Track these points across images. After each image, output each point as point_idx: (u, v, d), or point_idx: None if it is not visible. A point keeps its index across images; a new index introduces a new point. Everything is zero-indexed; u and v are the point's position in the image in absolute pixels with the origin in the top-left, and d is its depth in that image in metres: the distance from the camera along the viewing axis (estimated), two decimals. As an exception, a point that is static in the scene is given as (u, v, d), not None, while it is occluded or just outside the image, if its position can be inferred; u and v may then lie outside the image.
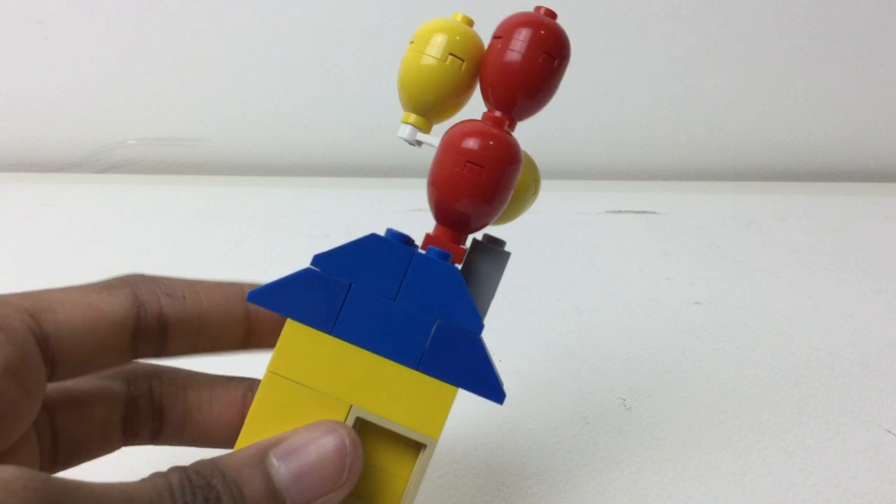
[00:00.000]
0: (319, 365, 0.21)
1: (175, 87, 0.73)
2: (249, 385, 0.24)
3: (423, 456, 0.21)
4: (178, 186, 0.70)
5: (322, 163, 0.76)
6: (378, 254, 0.21)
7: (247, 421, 0.20)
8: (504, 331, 0.41)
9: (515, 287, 0.47)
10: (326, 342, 0.21)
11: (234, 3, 0.71)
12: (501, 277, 0.24)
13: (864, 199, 0.71)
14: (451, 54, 0.22)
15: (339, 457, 0.20)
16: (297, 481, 0.19)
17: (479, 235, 0.25)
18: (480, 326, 0.21)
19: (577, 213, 0.64)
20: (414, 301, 0.21)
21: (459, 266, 0.23)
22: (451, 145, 0.22)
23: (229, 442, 0.23)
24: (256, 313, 0.23)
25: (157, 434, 0.24)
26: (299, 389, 0.21)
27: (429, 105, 0.23)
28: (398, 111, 0.24)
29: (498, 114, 0.23)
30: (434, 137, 0.23)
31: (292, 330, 0.20)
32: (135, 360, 0.24)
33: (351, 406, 0.21)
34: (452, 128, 0.23)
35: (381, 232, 0.22)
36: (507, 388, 0.35)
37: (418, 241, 0.23)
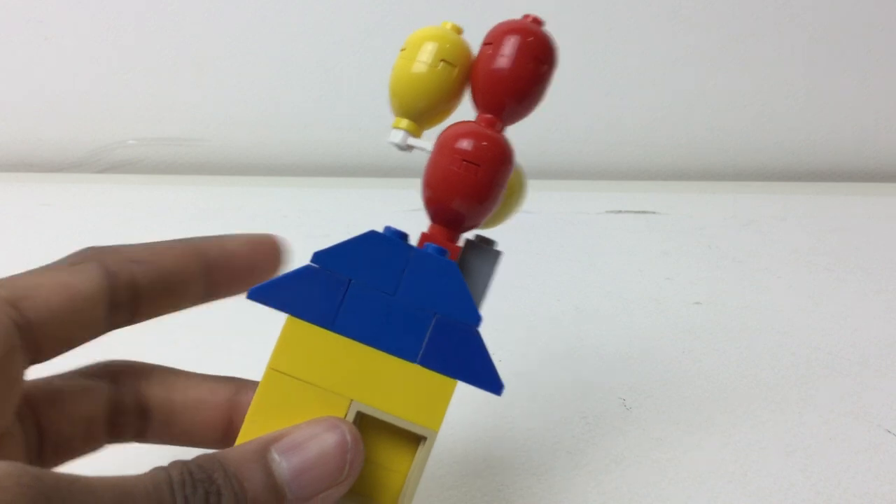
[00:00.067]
0: (320, 361, 0.21)
1: (175, 87, 0.73)
2: (237, 387, 0.24)
3: (423, 448, 0.21)
4: (178, 186, 0.70)
5: (322, 163, 0.76)
6: (377, 250, 0.21)
7: (247, 417, 0.20)
8: (504, 331, 0.41)
9: (515, 287, 0.47)
10: (327, 338, 0.21)
11: (234, 3, 0.71)
12: (494, 276, 0.24)
13: (864, 199, 0.71)
14: (442, 60, 0.23)
15: (340, 453, 0.20)
16: (298, 476, 0.19)
17: (469, 236, 0.25)
18: (479, 320, 0.22)
19: (577, 213, 0.64)
20: (413, 296, 0.21)
21: None
22: (446, 145, 0.22)
23: (215, 443, 0.24)
24: (214, 268, 0.24)
25: (141, 433, 0.24)
26: (300, 385, 0.21)
27: (420, 110, 0.24)
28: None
29: (489, 116, 0.23)
30: (425, 142, 0.24)
31: (292, 326, 0.20)
32: (122, 360, 0.24)
33: (351, 401, 0.21)
34: (447, 129, 0.23)
35: (380, 230, 0.22)
36: (507, 388, 0.35)
37: (416, 239, 0.23)
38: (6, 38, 0.71)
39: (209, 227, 0.57)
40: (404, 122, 0.24)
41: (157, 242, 0.24)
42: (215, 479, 0.18)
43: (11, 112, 0.73)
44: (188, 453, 0.20)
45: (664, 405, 0.34)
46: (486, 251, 0.24)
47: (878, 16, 0.76)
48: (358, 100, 0.71)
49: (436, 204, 0.22)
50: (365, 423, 0.21)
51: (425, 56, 0.23)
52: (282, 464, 0.19)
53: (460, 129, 0.23)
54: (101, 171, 0.75)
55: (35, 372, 0.21)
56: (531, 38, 0.23)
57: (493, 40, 0.23)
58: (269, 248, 0.25)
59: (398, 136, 0.24)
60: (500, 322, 0.42)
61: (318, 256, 0.21)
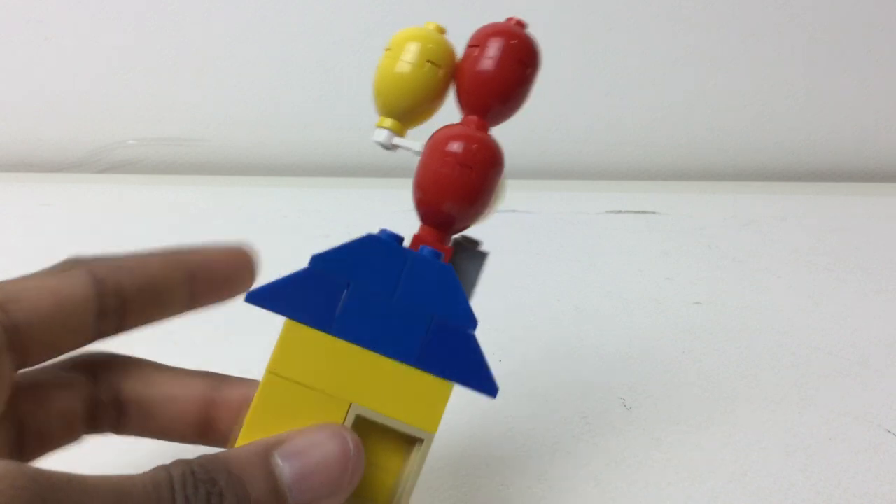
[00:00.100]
0: (319, 364, 0.21)
1: (175, 87, 0.73)
2: (214, 382, 0.24)
3: (420, 450, 0.22)
4: (178, 186, 0.70)
5: (322, 163, 0.76)
6: (375, 254, 0.21)
7: (247, 421, 0.20)
8: (504, 331, 0.41)
9: (515, 287, 0.47)
10: (325, 341, 0.21)
11: (234, 3, 0.71)
12: (480, 277, 0.25)
13: (864, 199, 0.71)
14: (428, 61, 0.23)
15: (342, 461, 0.20)
16: (300, 482, 0.19)
17: (455, 236, 0.25)
18: (475, 323, 0.22)
19: (577, 213, 0.64)
20: (410, 299, 0.21)
21: None
22: (439, 148, 0.23)
23: (192, 438, 0.24)
24: (198, 275, 0.24)
25: (118, 426, 0.24)
26: (299, 389, 0.21)
27: (405, 110, 0.24)
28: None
29: (474, 118, 0.24)
30: (410, 141, 0.24)
31: (291, 330, 0.21)
32: (102, 353, 0.24)
33: (350, 404, 0.21)
34: (439, 131, 0.23)
35: (375, 231, 0.22)
36: (507, 388, 0.35)
37: (408, 240, 0.23)
38: (6, 38, 0.71)
39: (209, 227, 0.57)
40: (388, 121, 0.24)
41: (142, 251, 0.24)
42: (218, 480, 0.18)
43: (11, 112, 0.73)
44: (189, 450, 0.20)
45: (664, 405, 0.34)
46: (473, 252, 0.25)
47: (878, 16, 0.76)
48: (358, 100, 0.71)
49: (428, 206, 0.23)
50: (360, 423, 0.22)
51: (411, 56, 0.23)
52: (284, 468, 0.19)
53: (452, 132, 0.23)
54: (101, 171, 0.75)
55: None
56: (516, 41, 0.23)
57: (480, 42, 0.23)
58: (244, 260, 0.25)
59: (382, 135, 0.24)
60: (500, 322, 0.42)
61: (315, 260, 0.21)
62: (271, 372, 0.20)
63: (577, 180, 0.78)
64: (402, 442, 0.22)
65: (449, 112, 0.25)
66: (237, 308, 0.24)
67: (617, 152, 0.78)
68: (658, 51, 0.75)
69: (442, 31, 0.24)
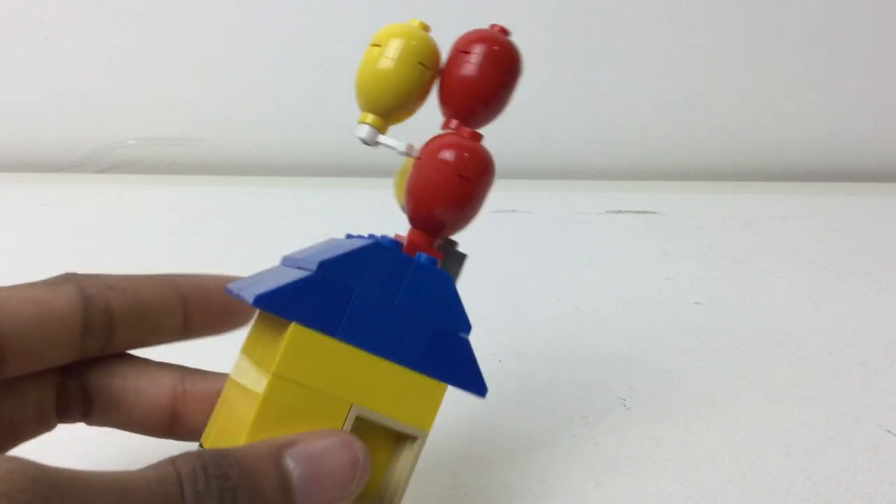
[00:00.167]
0: (322, 366, 0.21)
1: (175, 87, 0.73)
2: (181, 375, 0.24)
3: (415, 448, 0.22)
4: (178, 186, 0.70)
5: (322, 163, 0.76)
6: (379, 261, 0.22)
7: (252, 421, 0.20)
8: (504, 331, 0.41)
9: (515, 287, 0.47)
10: (330, 345, 0.21)
11: (234, 3, 0.71)
12: (459, 277, 0.25)
13: (864, 199, 0.71)
14: (419, 62, 0.24)
15: (351, 469, 0.20)
16: (310, 486, 0.19)
17: None
18: (469, 328, 0.23)
19: (577, 213, 0.64)
20: (412, 305, 0.22)
21: None
22: (438, 158, 0.23)
23: (160, 431, 0.24)
24: (192, 303, 0.24)
25: (87, 415, 0.24)
26: (303, 390, 0.21)
27: (390, 108, 0.24)
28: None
29: (454, 125, 0.24)
30: (393, 140, 0.24)
31: (297, 334, 0.21)
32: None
33: (351, 405, 0.21)
34: (436, 141, 0.24)
35: (357, 233, 0.23)
36: (507, 388, 0.35)
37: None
38: (6, 38, 0.71)
39: (209, 227, 0.57)
40: (371, 118, 0.24)
41: (136, 274, 0.24)
42: (231, 476, 0.18)
43: (11, 112, 0.73)
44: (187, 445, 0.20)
45: (664, 405, 0.34)
46: (453, 254, 0.25)
47: (878, 16, 0.76)
48: (358, 100, 0.71)
49: (424, 213, 0.23)
50: (356, 421, 0.22)
51: (402, 56, 0.24)
52: (295, 470, 0.19)
53: (451, 142, 0.23)
54: (101, 171, 0.75)
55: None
56: (503, 49, 0.24)
57: (467, 49, 0.24)
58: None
59: (364, 131, 0.24)
60: (500, 322, 0.42)
61: (323, 266, 0.21)
62: (277, 374, 0.21)
63: (577, 180, 0.78)
64: (390, 438, 0.23)
65: (429, 111, 0.25)
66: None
67: (617, 152, 0.78)
68: (658, 51, 0.75)
69: (427, 28, 0.25)
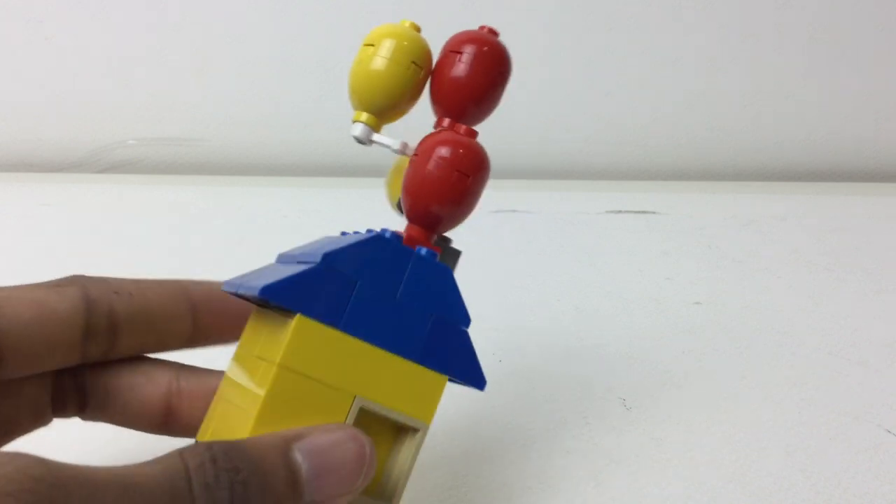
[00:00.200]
0: (326, 358, 0.21)
1: (175, 87, 0.73)
2: (176, 372, 0.24)
3: (416, 440, 0.23)
4: (178, 186, 0.70)
5: (322, 163, 0.76)
6: (382, 253, 0.22)
7: (258, 413, 0.20)
8: (504, 331, 0.41)
9: (515, 287, 0.47)
10: (333, 336, 0.21)
11: (234, 4, 0.71)
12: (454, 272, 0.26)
13: (864, 199, 0.71)
14: (413, 62, 0.24)
15: (358, 464, 0.20)
16: (317, 479, 0.19)
17: None
18: (469, 321, 0.23)
19: (577, 213, 0.64)
20: (413, 298, 0.22)
21: None
22: (437, 154, 0.23)
23: (154, 427, 0.24)
24: (200, 307, 0.24)
25: (82, 410, 0.24)
26: (308, 382, 0.21)
27: (385, 107, 0.25)
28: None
29: (446, 123, 0.25)
30: (387, 138, 0.25)
31: (302, 326, 0.21)
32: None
33: (355, 396, 0.22)
34: (433, 138, 0.24)
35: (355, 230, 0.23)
36: (507, 388, 0.35)
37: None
38: (6, 38, 0.71)
39: (209, 227, 0.57)
40: (365, 116, 0.25)
41: (147, 279, 0.24)
42: (241, 469, 0.18)
43: (11, 112, 0.73)
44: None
45: (664, 405, 0.34)
46: (447, 250, 0.26)
47: (878, 16, 0.76)
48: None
49: (423, 209, 0.24)
50: (359, 414, 0.22)
51: (397, 56, 0.24)
52: (304, 463, 0.19)
53: (448, 139, 0.24)
54: (101, 171, 0.75)
55: None
56: (492, 50, 0.25)
57: (458, 49, 0.25)
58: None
59: (358, 130, 0.25)
60: (500, 322, 0.42)
61: (327, 257, 0.21)
62: (282, 366, 0.21)
63: (577, 180, 0.78)
64: (390, 430, 0.23)
65: (421, 110, 0.26)
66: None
67: (617, 152, 0.78)
68: (658, 51, 0.75)
69: (418, 28, 0.25)
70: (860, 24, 0.76)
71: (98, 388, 0.23)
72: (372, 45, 0.24)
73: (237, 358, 0.24)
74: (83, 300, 0.22)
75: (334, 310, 0.21)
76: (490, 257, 0.52)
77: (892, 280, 0.50)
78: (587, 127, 0.77)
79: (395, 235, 0.23)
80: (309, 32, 0.72)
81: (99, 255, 0.50)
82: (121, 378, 0.24)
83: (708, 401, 0.34)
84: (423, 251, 0.23)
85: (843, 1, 0.75)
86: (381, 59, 0.24)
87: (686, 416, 0.33)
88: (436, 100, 0.25)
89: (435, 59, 0.25)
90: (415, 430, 0.23)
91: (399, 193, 0.26)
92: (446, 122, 0.25)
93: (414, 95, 0.25)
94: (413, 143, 0.25)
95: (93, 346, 0.22)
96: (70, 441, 0.25)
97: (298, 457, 0.19)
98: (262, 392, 0.21)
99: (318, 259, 0.21)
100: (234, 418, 0.22)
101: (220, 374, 0.24)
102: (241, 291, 0.22)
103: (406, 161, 0.26)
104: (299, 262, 0.22)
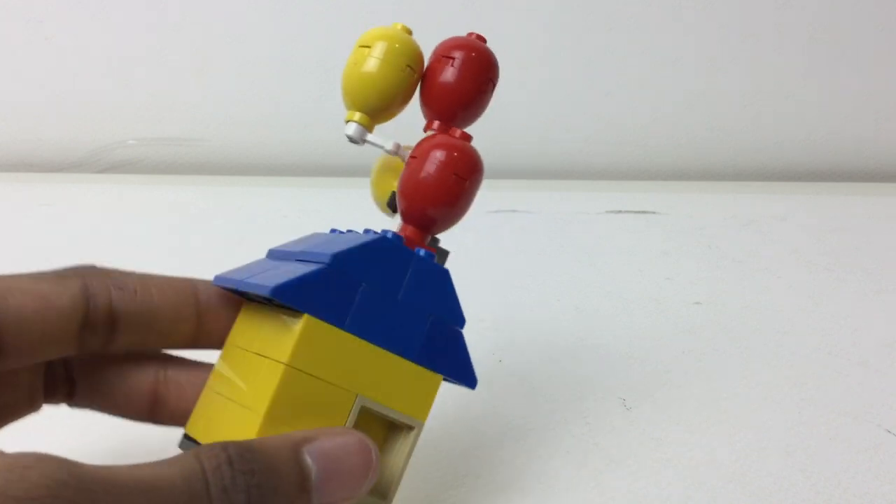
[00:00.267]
0: (332, 358, 0.21)
1: (175, 87, 0.73)
2: (164, 361, 0.24)
3: (411, 437, 0.23)
4: (178, 186, 0.70)
5: (322, 163, 0.76)
6: (386, 255, 0.22)
7: (266, 413, 0.21)
8: (504, 331, 0.41)
9: (515, 287, 0.47)
10: (338, 337, 0.21)
11: (234, 4, 0.71)
12: None
13: (864, 199, 0.71)
14: (407, 64, 0.25)
15: (365, 469, 0.21)
16: (326, 482, 0.20)
17: None
18: (464, 322, 0.24)
19: (577, 213, 0.64)
20: (413, 299, 0.23)
21: None
22: (434, 157, 0.24)
23: (141, 415, 0.24)
24: (207, 310, 0.24)
25: (71, 397, 0.24)
26: (313, 381, 0.21)
27: (378, 108, 0.25)
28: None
29: (436, 126, 0.25)
30: (381, 138, 0.25)
31: (310, 325, 0.21)
32: None
33: (357, 395, 0.22)
34: (430, 141, 0.24)
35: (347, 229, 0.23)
36: (507, 388, 0.35)
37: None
38: (6, 38, 0.71)
39: (209, 227, 0.57)
40: (358, 115, 0.25)
41: (156, 275, 0.24)
42: (256, 471, 0.18)
43: (11, 112, 0.73)
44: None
45: (664, 405, 0.34)
46: (437, 250, 0.26)
47: (878, 16, 0.76)
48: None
49: (419, 210, 0.24)
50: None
51: (391, 57, 0.25)
52: (313, 466, 0.19)
53: (445, 143, 0.24)
54: (101, 171, 0.75)
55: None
56: (480, 56, 0.25)
57: (447, 55, 0.25)
58: None
59: (352, 129, 0.25)
60: (500, 322, 0.42)
61: (336, 259, 0.21)
62: (290, 366, 0.21)
63: (577, 180, 0.78)
64: (383, 426, 0.23)
65: (411, 113, 0.26)
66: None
67: (617, 152, 0.78)
68: (658, 51, 0.75)
69: (409, 31, 0.26)
70: (860, 24, 0.76)
71: (87, 375, 0.24)
72: (366, 46, 0.25)
73: (229, 351, 0.24)
74: (83, 294, 0.22)
75: (340, 310, 0.21)
76: (490, 257, 0.52)
77: (892, 280, 0.50)
78: (587, 127, 0.77)
79: (398, 237, 0.23)
80: (309, 32, 0.72)
81: (99, 255, 0.50)
82: (109, 366, 0.24)
83: (708, 401, 0.34)
84: (423, 252, 0.23)
85: (843, 1, 0.75)
86: (375, 61, 0.25)
87: (686, 416, 0.33)
88: (426, 103, 0.26)
89: (425, 63, 0.26)
90: (409, 428, 0.23)
91: (386, 193, 0.26)
92: (436, 124, 0.25)
93: (406, 97, 0.25)
94: (405, 143, 0.25)
95: (90, 340, 0.22)
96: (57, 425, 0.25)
97: (308, 459, 0.19)
98: (268, 391, 0.21)
99: (325, 260, 0.21)
100: (235, 415, 0.22)
101: (208, 366, 0.24)
102: (243, 289, 0.22)
103: (391, 160, 0.27)
104: (299, 261, 0.22)
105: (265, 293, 0.20)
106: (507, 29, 0.69)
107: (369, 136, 0.25)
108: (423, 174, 0.24)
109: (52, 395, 0.24)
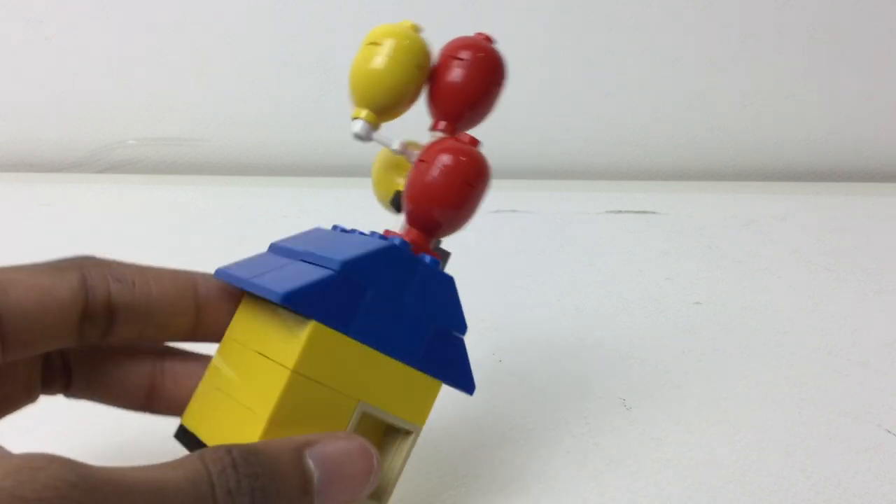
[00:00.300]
0: (336, 364, 0.21)
1: (175, 87, 0.73)
2: (160, 352, 0.24)
3: (408, 441, 0.23)
4: (178, 186, 0.70)
5: (322, 163, 0.76)
6: (394, 262, 0.22)
7: (270, 417, 0.21)
8: (504, 331, 0.41)
9: (515, 287, 0.47)
10: (344, 343, 0.22)
11: (234, 4, 0.71)
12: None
13: (864, 199, 0.71)
14: (415, 62, 0.25)
15: (365, 475, 0.21)
16: (328, 486, 0.20)
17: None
18: (465, 329, 0.24)
19: (577, 213, 0.64)
20: (418, 305, 0.23)
21: None
22: (444, 163, 0.24)
23: (137, 406, 0.24)
24: (206, 304, 0.24)
25: (67, 387, 0.24)
26: (317, 387, 0.21)
27: (386, 106, 0.25)
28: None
29: (442, 126, 0.25)
30: (387, 137, 0.25)
31: (317, 332, 0.21)
32: None
33: (359, 401, 0.22)
34: (439, 145, 0.24)
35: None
36: (507, 388, 0.35)
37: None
38: (6, 38, 0.71)
39: (209, 227, 0.57)
40: (365, 112, 0.25)
41: (155, 268, 0.24)
42: (260, 475, 0.18)
43: (11, 112, 0.73)
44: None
45: (664, 405, 0.34)
46: (439, 252, 0.26)
47: (878, 16, 0.76)
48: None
49: (425, 215, 0.24)
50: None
51: (399, 55, 0.24)
52: (315, 470, 0.19)
53: (456, 148, 0.24)
54: (101, 171, 0.75)
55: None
56: (488, 57, 0.25)
57: (455, 55, 0.25)
58: None
59: (358, 126, 0.25)
60: (500, 322, 0.42)
61: (346, 266, 0.21)
62: (296, 372, 0.21)
63: (577, 180, 0.78)
64: (380, 429, 0.23)
65: (417, 111, 0.26)
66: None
67: (617, 152, 0.78)
68: (658, 51, 0.75)
69: (417, 29, 0.25)
70: (860, 24, 0.76)
71: (83, 366, 0.24)
72: (375, 43, 0.25)
73: (228, 346, 0.24)
74: (82, 286, 0.22)
75: (346, 317, 0.21)
76: (490, 257, 0.52)
77: (892, 280, 0.50)
78: (587, 127, 0.77)
79: (405, 244, 0.23)
80: (309, 32, 0.72)
81: (99, 255, 0.50)
82: (106, 357, 0.24)
83: (708, 401, 0.34)
84: (428, 259, 0.23)
85: (843, 1, 0.75)
86: (384, 58, 0.24)
87: (686, 416, 0.33)
88: (433, 103, 0.26)
89: (432, 62, 0.26)
90: (407, 432, 0.23)
91: (390, 191, 0.26)
92: (442, 124, 0.25)
93: (414, 96, 0.25)
94: (407, 140, 0.25)
95: (89, 331, 0.22)
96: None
97: (311, 463, 0.19)
98: (273, 395, 0.21)
99: (335, 266, 0.21)
100: (236, 414, 0.22)
101: (206, 356, 0.24)
102: (249, 290, 0.22)
103: (393, 156, 0.26)
104: (304, 261, 0.22)
105: (275, 300, 0.20)
106: (507, 29, 0.69)
107: (375, 135, 0.25)
108: (431, 178, 0.24)
109: (50, 386, 0.24)
